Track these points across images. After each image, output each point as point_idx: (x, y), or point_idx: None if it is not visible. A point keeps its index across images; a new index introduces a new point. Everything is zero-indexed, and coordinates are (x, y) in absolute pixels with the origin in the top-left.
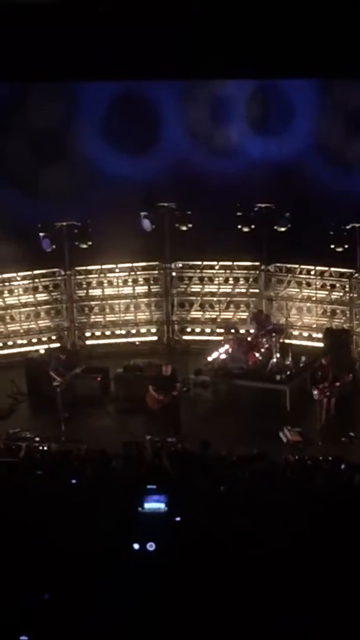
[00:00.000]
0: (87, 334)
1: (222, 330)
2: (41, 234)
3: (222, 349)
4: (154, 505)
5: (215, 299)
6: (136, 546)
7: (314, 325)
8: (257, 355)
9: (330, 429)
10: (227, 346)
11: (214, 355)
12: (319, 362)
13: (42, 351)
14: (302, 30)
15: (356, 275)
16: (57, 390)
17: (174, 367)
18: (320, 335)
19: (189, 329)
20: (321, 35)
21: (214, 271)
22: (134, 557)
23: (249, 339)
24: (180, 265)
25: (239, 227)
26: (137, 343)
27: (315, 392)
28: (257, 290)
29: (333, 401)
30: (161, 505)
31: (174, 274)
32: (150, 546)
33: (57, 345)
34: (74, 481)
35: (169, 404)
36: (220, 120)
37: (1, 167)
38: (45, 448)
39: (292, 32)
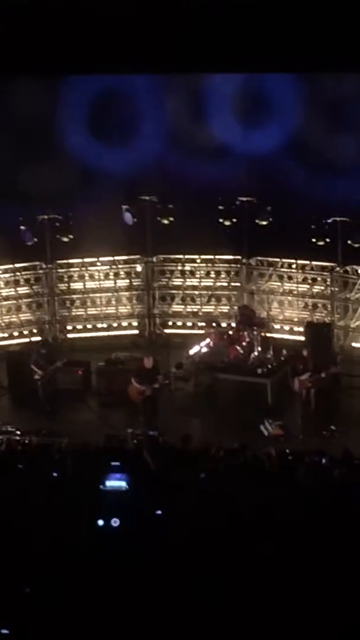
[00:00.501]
0: (69, 328)
1: (203, 324)
2: (22, 227)
3: (203, 343)
4: (115, 483)
5: (196, 292)
6: (100, 522)
7: (296, 319)
8: (239, 348)
9: (311, 422)
10: (208, 340)
11: (196, 348)
12: (299, 354)
13: (23, 344)
14: (286, 23)
15: (337, 269)
16: (38, 384)
17: (156, 360)
18: (301, 329)
19: (170, 323)
20: (304, 29)
21: (196, 265)
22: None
23: (230, 332)
24: (162, 258)
25: (221, 220)
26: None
27: (296, 383)
28: (238, 284)
29: (313, 392)
30: (122, 484)
31: (155, 267)
32: (115, 522)
33: (39, 338)
34: (55, 474)
35: (150, 396)
36: (202, 114)
37: None
38: (26, 441)
39: (276, 26)
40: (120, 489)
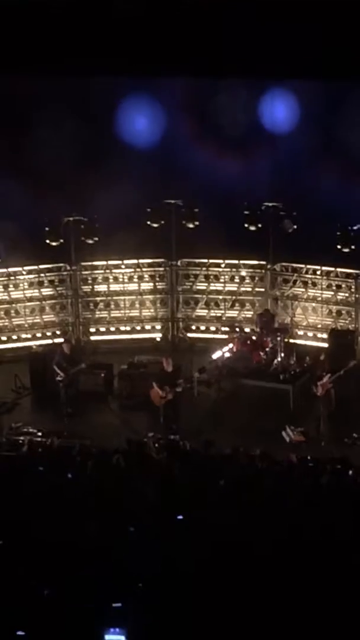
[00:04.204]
0: (92, 330)
1: (227, 329)
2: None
3: (226, 348)
4: (115, 637)
5: (220, 297)
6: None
7: (319, 326)
8: (262, 354)
9: (333, 429)
10: (231, 345)
11: (219, 353)
12: (317, 359)
13: (46, 345)
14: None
15: None
16: (60, 386)
17: (178, 364)
18: (325, 336)
19: (193, 327)
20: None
21: (220, 269)
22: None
23: (253, 337)
24: (186, 262)
25: (246, 225)
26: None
27: (319, 389)
28: (262, 289)
29: (333, 393)
30: (122, 638)
31: (179, 271)
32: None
33: (62, 340)
34: (69, 475)
35: (172, 400)
36: (227, 119)
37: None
38: (47, 443)
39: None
40: None
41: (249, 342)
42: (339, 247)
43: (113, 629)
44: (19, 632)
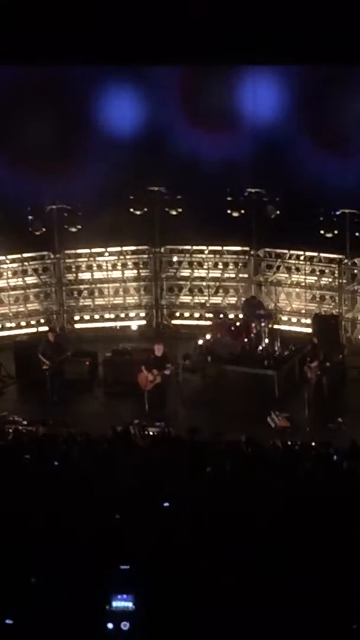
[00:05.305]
0: (76, 318)
1: (211, 315)
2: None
3: (210, 334)
4: (121, 603)
5: (204, 283)
6: (110, 626)
7: (303, 311)
8: (246, 340)
9: (318, 414)
10: (216, 331)
11: (203, 339)
12: (309, 342)
13: (31, 334)
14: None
15: (345, 261)
16: (45, 374)
17: (166, 348)
18: (309, 321)
19: (178, 314)
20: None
21: (204, 256)
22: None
23: (238, 324)
24: (170, 249)
25: (229, 211)
26: (117, 327)
27: (307, 372)
28: (246, 275)
29: (325, 380)
30: (129, 604)
31: (163, 258)
32: (125, 625)
33: (46, 328)
34: (56, 463)
35: (159, 385)
36: (210, 104)
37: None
38: (34, 431)
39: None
40: (127, 610)
41: (233, 328)
42: (322, 232)
43: (120, 595)
44: (8, 621)
